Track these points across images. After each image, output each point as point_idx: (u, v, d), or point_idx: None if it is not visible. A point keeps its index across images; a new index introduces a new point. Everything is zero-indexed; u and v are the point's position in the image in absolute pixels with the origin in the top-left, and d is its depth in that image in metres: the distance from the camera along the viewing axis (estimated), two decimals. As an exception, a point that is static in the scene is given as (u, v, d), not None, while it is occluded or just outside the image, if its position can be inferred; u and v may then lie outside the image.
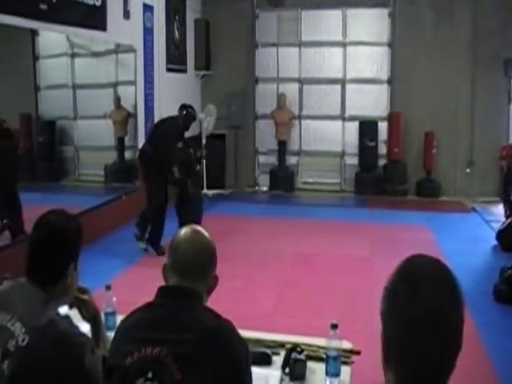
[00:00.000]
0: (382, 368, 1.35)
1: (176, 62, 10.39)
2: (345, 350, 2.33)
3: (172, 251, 1.91)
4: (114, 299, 2.63)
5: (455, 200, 10.53)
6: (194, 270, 1.86)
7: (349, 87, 11.47)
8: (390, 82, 11.28)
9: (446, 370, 1.30)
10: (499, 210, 9.26)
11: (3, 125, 6.44)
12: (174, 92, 10.13)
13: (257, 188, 11.67)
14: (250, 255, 6.95)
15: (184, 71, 10.77)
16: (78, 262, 2.05)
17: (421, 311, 1.25)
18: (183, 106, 7.23)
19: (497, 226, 7.95)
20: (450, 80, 10.82)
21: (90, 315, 2.20)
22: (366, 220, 8.94)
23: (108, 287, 2.66)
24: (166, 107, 9.65)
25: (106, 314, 2.57)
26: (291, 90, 11.66)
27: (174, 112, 7.24)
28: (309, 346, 2.36)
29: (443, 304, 1.27)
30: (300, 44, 11.53)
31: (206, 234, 1.95)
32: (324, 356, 2.24)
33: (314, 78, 11.55)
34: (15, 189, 6.49)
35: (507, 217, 7.37)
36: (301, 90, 11.68)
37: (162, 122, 7.36)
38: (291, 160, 11.74)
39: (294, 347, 2.27)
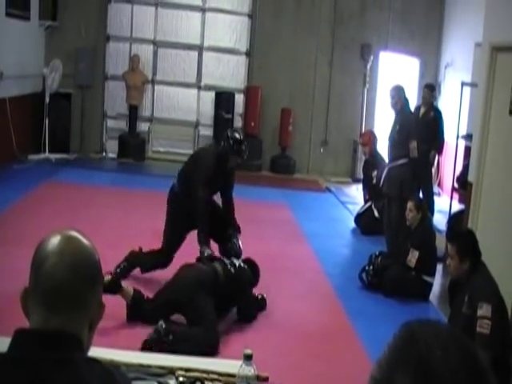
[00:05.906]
0: None
1: (18, 6, 9.13)
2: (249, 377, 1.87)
3: (34, 269, 1.26)
4: None
5: (310, 178, 10.50)
6: (69, 297, 1.24)
7: (206, 55, 11.02)
8: (248, 54, 10.96)
9: None
10: (352, 191, 9.34)
11: None
12: (14, 41, 8.92)
13: (104, 154, 10.83)
14: (101, 232, 6.04)
15: (26, 18, 9.53)
16: None
17: None
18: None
19: (353, 208, 7.95)
20: (310, 59, 10.76)
21: None
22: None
23: None
24: (2, 58, 8.50)
25: None
26: (145, 51, 10.94)
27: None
28: (207, 373, 1.86)
29: None
30: (157, 4, 10.85)
31: (84, 240, 1.32)
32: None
33: (170, 42, 10.96)
34: None
35: (366, 201, 7.36)
36: (155, 53, 11.00)
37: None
38: (142, 127, 11.04)
39: (194, 380, 1.75)
